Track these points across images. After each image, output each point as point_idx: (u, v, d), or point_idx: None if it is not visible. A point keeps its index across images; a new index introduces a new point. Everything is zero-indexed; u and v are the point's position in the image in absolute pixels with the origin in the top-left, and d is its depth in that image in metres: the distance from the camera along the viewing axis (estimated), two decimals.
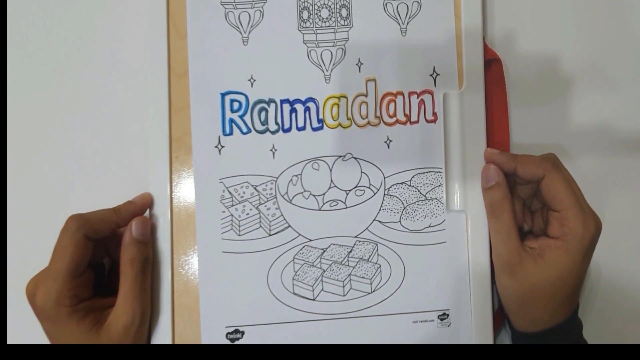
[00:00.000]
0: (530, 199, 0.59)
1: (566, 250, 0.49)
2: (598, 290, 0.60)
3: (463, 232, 0.65)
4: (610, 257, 0.56)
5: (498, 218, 0.53)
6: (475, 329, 0.64)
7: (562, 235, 0.49)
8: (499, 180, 0.55)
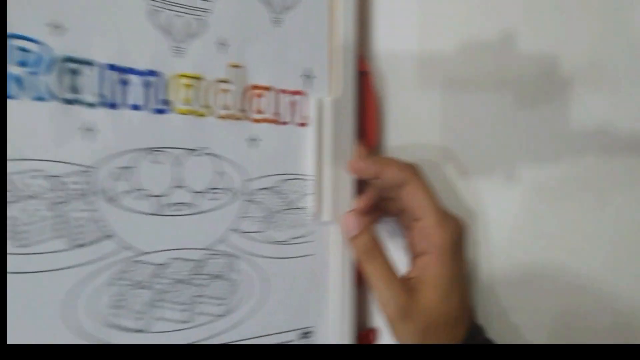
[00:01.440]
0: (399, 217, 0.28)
1: (438, 261, 0.23)
2: (599, 290, 0.26)
3: (330, 244, 0.29)
4: (610, 257, 0.24)
5: (373, 262, 0.25)
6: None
7: (429, 247, 0.23)
8: (364, 224, 0.27)
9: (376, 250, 0.25)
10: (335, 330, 0.29)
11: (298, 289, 0.29)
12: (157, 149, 0.23)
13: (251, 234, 0.27)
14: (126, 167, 0.22)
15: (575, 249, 0.25)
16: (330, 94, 0.31)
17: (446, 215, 0.24)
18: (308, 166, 0.29)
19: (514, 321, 0.26)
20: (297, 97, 0.29)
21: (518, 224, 0.26)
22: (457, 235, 0.24)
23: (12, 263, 0.19)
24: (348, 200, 0.30)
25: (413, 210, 0.25)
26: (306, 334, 0.30)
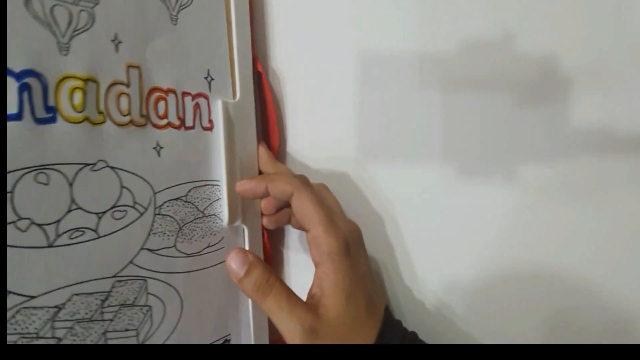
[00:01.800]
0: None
1: (331, 269, 0.22)
2: (597, 291, 0.25)
3: (241, 246, 0.29)
4: (609, 257, 0.24)
5: (268, 296, 0.22)
6: None
7: (321, 257, 0.22)
8: (249, 261, 0.24)
9: (269, 283, 0.23)
10: (253, 335, 0.29)
11: (214, 299, 0.28)
12: (42, 167, 0.19)
13: (162, 250, 0.25)
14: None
15: (574, 250, 0.24)
16: (233, 96, 0.30)
17: (333, 222, 0.23)
18: (216, 171, 0.28)
19: (511, 321, 0.25)
20: (200, 100, 0.28)
21: (517, 224, 0.25)
22: (347, 239, 0.23)
23: None
24: (255, 202, 0.30)
25: (303, 221, 0.24)
26: (224, 343, 0.29)
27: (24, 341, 0.18)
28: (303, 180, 0.25)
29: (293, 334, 0.21)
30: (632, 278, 0.23)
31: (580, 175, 0.24)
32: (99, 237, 0.21)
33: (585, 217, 0.24)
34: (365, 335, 0.22)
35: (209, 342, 0.28)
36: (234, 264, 0.24)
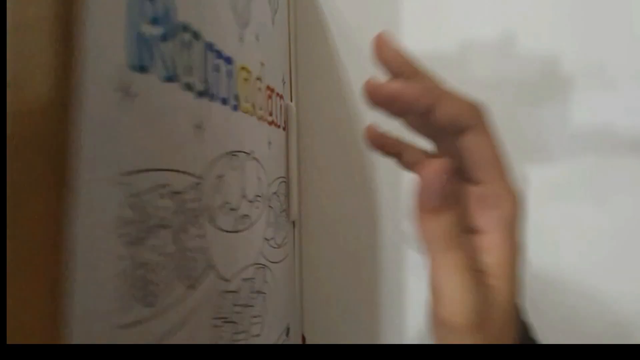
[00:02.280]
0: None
1: (508, 245, 0.14)
2: (597, 289, 0.26)
3: (292, 243, 0.33)
4: (609, 256, 0.26)
5: (456, 251, 0.13)
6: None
7: (490, 224, 0.14)
8: (449, 197, 0.13)
9: (457, 236, 0.14)
10: (304, 326, 0.32)
11: (282, 291, 0.30)
12: (235, 152, 0.19)
13: (271, 240, 0.26)
14: (219, 176, 0.18)
15: (574, 249, 0.24)
16: (291, 99, 0.32)
17: (512, 182, 0.15)
18: (285, 168, 0.30)
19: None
20: (282, 102, 0.30)
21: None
22: (521, 209, 0.15)
23: (135, 334, 0.12)
24: (306, 200, 0.33)
25: (473, 170, 0.15)
26: (288, 331, 0.31)
27: (225, 326, 0.18)
28: (482, 114, 0.15)
29: (458, 314, 0.13)
30: (632, 277, 0.23)
31: (580, 175, 0.24)
32: (252, 224, 0.22)
33: (586, 215, 0.23)
34: (508, 339, 0.15)
35: (281, 330, 0.29)
36: (432, 184, 0.13)
